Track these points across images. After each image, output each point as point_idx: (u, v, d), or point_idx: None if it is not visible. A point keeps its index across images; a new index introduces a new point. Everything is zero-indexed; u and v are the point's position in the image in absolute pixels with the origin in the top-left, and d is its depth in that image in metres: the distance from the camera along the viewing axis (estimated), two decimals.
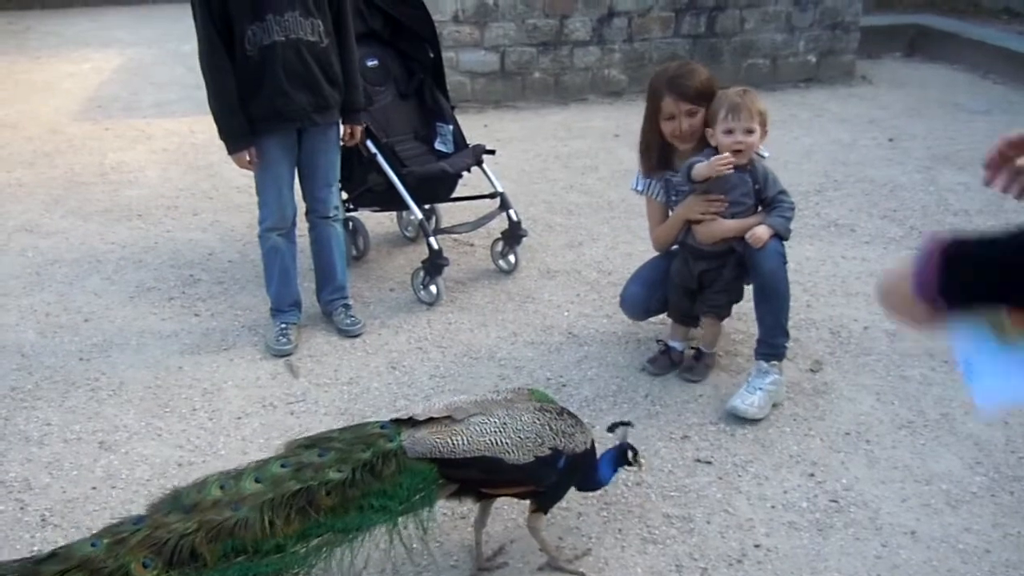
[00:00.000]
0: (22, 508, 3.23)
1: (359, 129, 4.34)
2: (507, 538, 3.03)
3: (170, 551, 2.29)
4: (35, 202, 6.05)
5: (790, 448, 3.51)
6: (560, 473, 2.73)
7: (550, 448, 2.68)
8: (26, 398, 3.90)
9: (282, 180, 4.12)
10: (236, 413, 3.78)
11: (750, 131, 3.57)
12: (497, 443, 2.63)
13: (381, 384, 3.97)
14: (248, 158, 4.01)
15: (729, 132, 3.58)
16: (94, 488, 3.33)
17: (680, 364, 4.02)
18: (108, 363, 4.16)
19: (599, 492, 3.16)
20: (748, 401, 3.64)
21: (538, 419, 2.71)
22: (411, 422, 2.68)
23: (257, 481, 2.48)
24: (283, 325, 4.25)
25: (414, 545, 2.72)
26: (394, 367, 4.09)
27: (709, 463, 3.43)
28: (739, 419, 3.64)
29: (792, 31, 8.66)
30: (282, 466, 2.52)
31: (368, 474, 2.53)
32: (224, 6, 3.82)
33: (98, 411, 3.81)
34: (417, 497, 2.58)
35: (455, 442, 2.61)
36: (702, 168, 3.57)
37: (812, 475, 3.36)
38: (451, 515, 3.10)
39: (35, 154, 6.97)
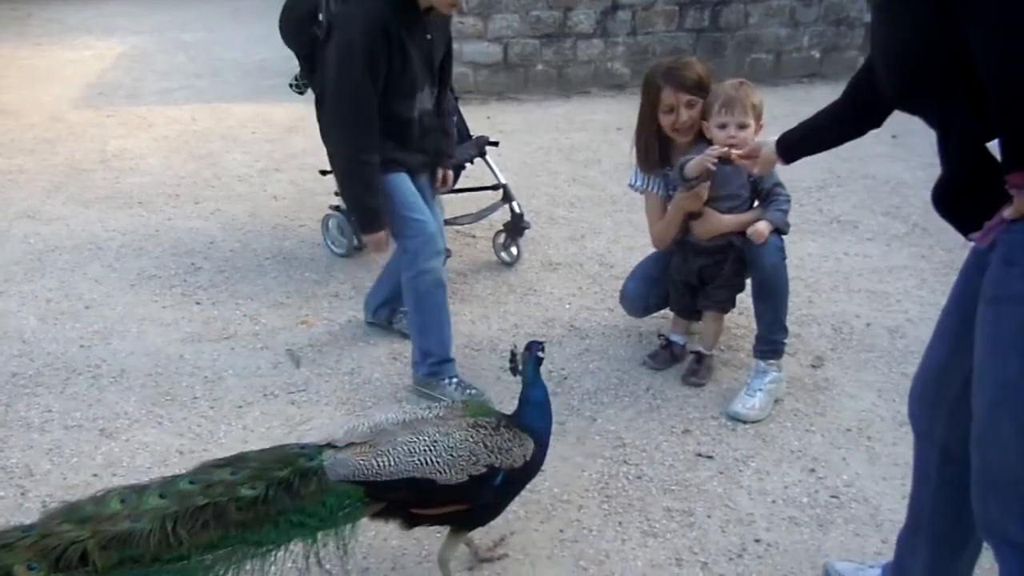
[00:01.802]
0: (23, 494, 3.23)
1: (450, 173, 4.14)
2: (508, 529, 3.04)
3: (57, 555, 2.20)
4: (36, 189, 6.04)
5: (791, 443, 3.52)
6: (498, 490, 2.60)
7: (485, 466, 2.54)
8: (27, 384, 3.90)
9: (422, 201, 3.78)
10: (237, 402, 3.77)
11: (743, 126, 3.55)
12: (427, 463, 2.49)
13: (382, 374, 3.97)
14: (385, 238, 3.69)
15: (723, 126, 3.57)
16: (95, 475, 3.33)
17: (681, 358, 4.02)
18: (109, 350, 4.16)
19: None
20: (748, 405, 3.65)
21: (471, 436, 2.56)
22: (333, 446, 2.55)
23: (162, 496, 2.36)
24: (456, 379, 3.77)
25: (332, 566, 2.61)
26: (395, 357, 4.09)
27: (710, 457, 3.43)
28: None
29: (796, 26, 8.65)
30: (191, 483, 2.41)
31: (284, 492, 2.41)
32: (388, 83, 3.51)
33: (99, 398, 3.80)
34: (340, 514, 2.47)
35: (380, 463, 2.47)
36: (693, 164, 3.55)
37: (813, 471, 3.36)
38: None
39: (36, 141, 6.96)
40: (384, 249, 3.76)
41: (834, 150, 6.89)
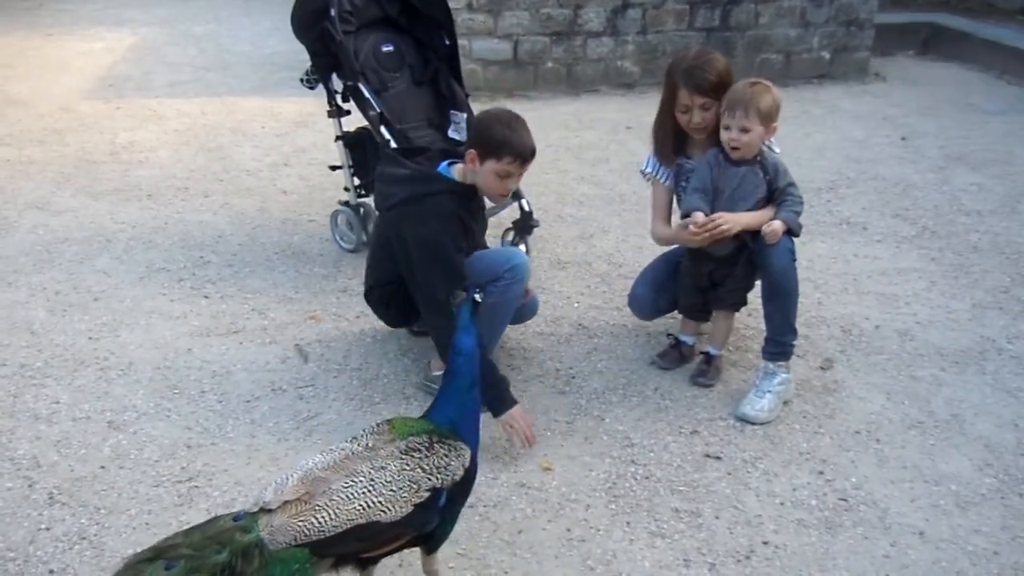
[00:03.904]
0: (30, 486, 3.24)
1: None
2: (515, 528, 3.04)
3: None
4: (45, 180, 6.04)
5: (799, 445, 3.51)
6: (443, 510, 2.51)
7: (428, 490, 2.43)
8: (35, 376, 3.90)
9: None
10: (245, 396, 3.77)
11: (745, 130, 3.53)
12: (369, 505, 2.34)
13: (391, 371, 3.96)
14: (521, 413, 3.43)
15: (727, 128, 3.56)
16: (102, 467, 3.34)
17: (690, 359, 4.01)
18: (117, 343, 4.16)
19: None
20: (758, 407, 3.64)
21: (407, 463, 2.43)
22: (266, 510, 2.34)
23: None
24: None
25: None
26: (404, 354, 4.09)
27: (718, 458, 3.42)
28: None
29: (807, 27, 8.61)
30: None
31: None
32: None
33: (107, 391, 3.81)
34: None
35: (321, 520, 2.30)
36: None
37: (821, 473, 3.35)
38: None
39: (46, 131, 6.95)
40: (528, 427, 3.40)
41: (844, 151, 6.88)
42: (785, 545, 3.00)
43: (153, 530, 3.02)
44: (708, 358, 3.92)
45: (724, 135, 3.57)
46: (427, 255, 3.50)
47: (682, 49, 4.03)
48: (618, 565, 2.91)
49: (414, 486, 2.41)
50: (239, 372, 3.95)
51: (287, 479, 2.39)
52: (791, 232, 3.62)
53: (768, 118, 3.53)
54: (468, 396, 2.68)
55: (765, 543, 3.01)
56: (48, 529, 3.04)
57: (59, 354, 4.06)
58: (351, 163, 4.95)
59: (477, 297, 2.71)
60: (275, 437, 3.52)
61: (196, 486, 3.25)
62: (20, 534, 3.01)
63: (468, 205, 3.67)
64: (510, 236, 4.97)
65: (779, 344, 3.72)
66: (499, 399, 3.40)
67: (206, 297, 4.58)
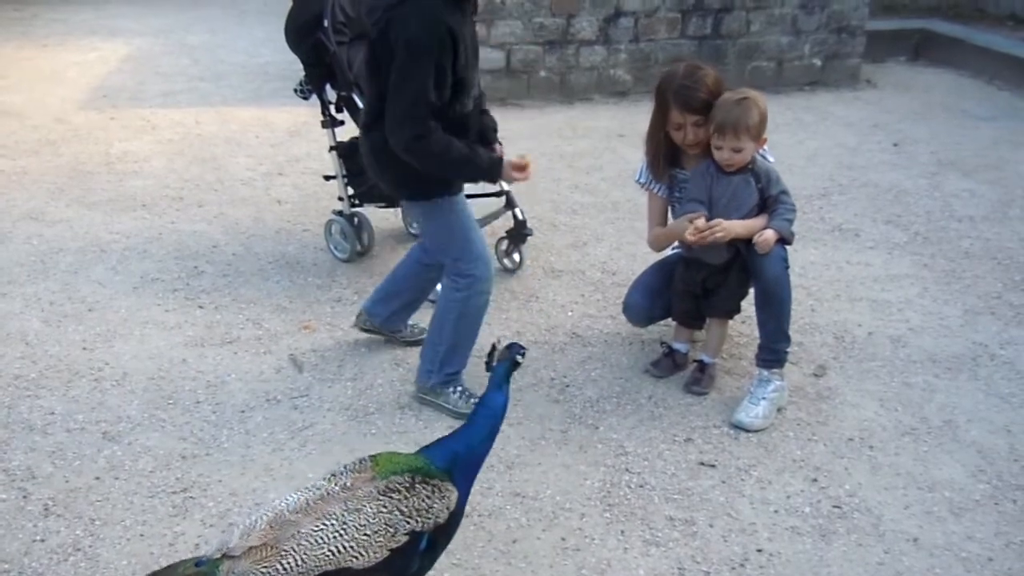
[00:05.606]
0: (25, 497, 3.23)
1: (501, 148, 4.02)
2: (510, 537, 3.04)
3: None
4: (40, 190, 6.04)
5: (793, 453, 3.52)
6: (424, 555, 2.38)
7: (406, 534, 2.30)
8: (30, 387, 3.90)
9: (478, 226, 3.84)
10: (240, 407, 3.78)
11: (737, 150, 3.56)
12: (340, 550, 2.21)
13: (385, 380, 3.97)
14: (520, 162, 3.61)
15: (719, 148, 3.59)
16: (97, 478, 3.34)
17: (684, 367, 4.03)
18: (112, 353, 4.16)
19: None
20: (752, 414, 3.65)
21: (384, 506, 2.30)
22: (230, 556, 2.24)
23: None
24: (461, 388, 3.77)
25: None
26: (398, 364, 4.09)
27: (712, 466, 3.43)
28: None
29: (798, 34, 8.65)
30: None
31: None
32: (457, 80, 3.45)
33: (102, 401, 3.81)
34: None
35: (286, 565, 2.18)
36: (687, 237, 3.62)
37: (815, 480, 3.36)
38: None
39: (40, 142, 6.95)
40: (527, 172, 3.63)
41: (836, 158, 6.90)
42: (779, 553, 3.01)
43: (148, 541, 3.02)
44: (702, 366, 3.93)
45: (717, 155, 3.60)
46: (407, 60, 3.32)
47: (671, 63, 4.04)
48: (612, 574, 2.92)
49: (390, 530, 2.29)
50: (233, 382, 3.95)
51: (256, 522, 2.28)
52: (784, 240, 3.64)
53: (758, 133, 3.57)
54: (480, 446, 2.58)
55: (759, 551, 3.02)
56: (43, 541, 3.04)
57: (53, 365, 4.06)
58: (345, 173, 4.96)
59: (519, 359, 2.66)
60: (270, 447, 3.52)
61: (191, 497, 3.25)
62: (15, 546, 3.01)
63: (455, 12, 3.41)
64: (504, 245, 4.99)
65: (773, 351, 3.74)
66: (489, 161, 3.54)
67: (200, 307, 4.58)
